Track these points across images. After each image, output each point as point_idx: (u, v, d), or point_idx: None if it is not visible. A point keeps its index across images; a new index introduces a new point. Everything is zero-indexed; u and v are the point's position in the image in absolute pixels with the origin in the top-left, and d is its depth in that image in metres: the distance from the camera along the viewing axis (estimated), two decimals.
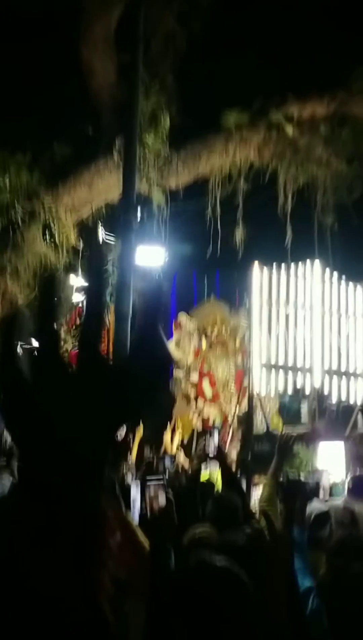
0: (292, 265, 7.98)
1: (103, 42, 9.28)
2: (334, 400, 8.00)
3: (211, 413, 13.72)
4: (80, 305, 11.43)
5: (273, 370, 7.72)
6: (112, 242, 8.43)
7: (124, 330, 7.12)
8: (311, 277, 7.86)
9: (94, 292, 0.80)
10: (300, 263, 8.00)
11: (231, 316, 14.28)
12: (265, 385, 7.59)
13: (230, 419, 11.43)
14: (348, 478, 5.43)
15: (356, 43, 8.90)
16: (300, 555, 2.81)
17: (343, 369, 8.02)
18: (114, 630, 0.69)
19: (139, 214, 7.05)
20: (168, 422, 14.37)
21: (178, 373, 15.11)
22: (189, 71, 9.66)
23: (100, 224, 9.37)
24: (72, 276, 10.81)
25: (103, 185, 9.49)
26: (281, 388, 7.83)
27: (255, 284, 7.67)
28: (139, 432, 8.67)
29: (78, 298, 10.98)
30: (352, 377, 8.01)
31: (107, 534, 0.71)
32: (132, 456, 7.57)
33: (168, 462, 6.09)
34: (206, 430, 5.03)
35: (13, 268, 9.01)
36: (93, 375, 0.73)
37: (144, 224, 6.99)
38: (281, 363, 7.79)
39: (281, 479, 3.23)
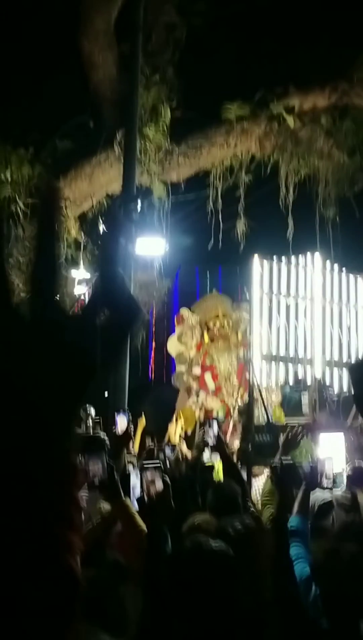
0: (293, 257, 7.99)
1: (104, 35, 9.27)
2: (335, 391, 8.02)
3: (214, 406, 13.77)
4: (82, 297, 11.45)
5: (273, 361, 7.74)
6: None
7: None
8: (312, 268, 7.87)
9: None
10: (300, 255, 8.01)
11: (234, 309, 14.30)
12: (266, 377, 7.61)
13: (232, 411, 11.46)
14: (348, 469, 5.45)
15: (357, 33, 8.88)
16: (301, 543, 2.84)
17: (344, 360, 8.04)
18: (82, 589, 0.69)
19: (139, 206, 7.06)
20: (171, 415, 14.42)
21: (181, 367, 15.16)
22: (190, 63, 9.65)
23: (100, 216, 9.38)
24: (73, 270, 10.84)
25: (104, 178, 9.51)
26: (282, 379, 7.85)
27: (255, 276, 7.68)
28: (142, 423, 8.70)
29: (80, 290, 11.00)
30: None
31: (74, 491, 0.71)
32: (135, 447, 7.62)
33: (168, 451, 6.12)
34: (206, 420, 5.06)
35: (15, 262, 9.03)
36: (50, 325, 0.71)
37: (144, 215, 6.99)
38: (282, 354, 7.81)
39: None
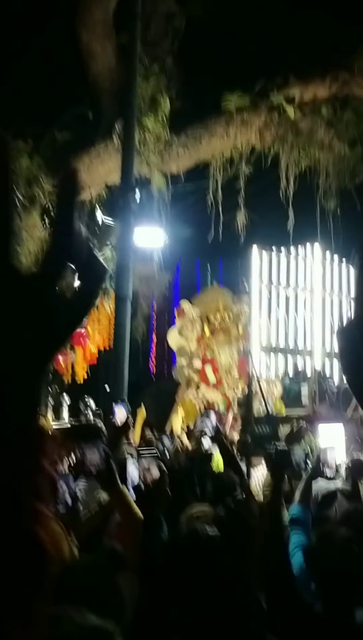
0: (292, 248, 7.97)
1: (102, 25, 9.22)
2: (335, 382, 8.01)
3: (215, 399, 13.78)
4: None
5: (273, 353, 7.73)
6: (111, 225, 8.41)
7: (124, 312, 7.13)
8: (312, 259, 7.86)
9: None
10: (299, 246, 7.99)
11: (234, 302, 14.29)
12: (265, 368, 7.60)
13: (232, 404, 11.46)
14: (348, 460, 5.44)
15: (358, 23, 8.82)
16: (302, 532, 2.83)
17: None
18: (47, 557, 0.68)
19: (138, 196, 7.03)
20: (171, 408, 14.42)
21: (181, 360, 15.15)
22: (189, 53, 9.59)
23: (98, 206, 9.36)
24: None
25: (103, 169, 9.46)
26: (281, 371, 7.84)
27: (255, 268, 7.67)
28: (142, 414, 8.72)
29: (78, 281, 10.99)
30: None
31: (42, 460, 0.69)
32: (135, 438, 7.62)
33: (167, 441, 6.12)
34: (204, 411, 5.04)
35: (13, 252, 9.00)
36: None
37: (143, 206, 6.97)
38: (281, 346, 7.80)
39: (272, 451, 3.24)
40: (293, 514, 3.05)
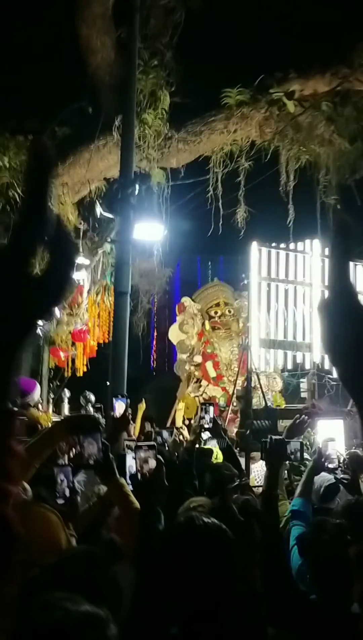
0: (292, 243, 7.99)
1: (102, 19, 9.21)
2: (334, 376, 8.02)
3: (215, 394, 13.82)
4: (81, 284, 11.46)
5: (272, 347, 7.75)
6: (111, 219, 8.42)
7: (123, 307, 7.15)
8: (311, 254, 7.88)
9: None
10: (299, 241, 8.01)
11: (235, 298, 14.31)
12: (264, 363, 7.62)
13: (233, 398, 11.51)
14: (346, 454, 5.46)
15: (358, 17, 8.79)
16: (302, 525, 2.85)
17: None
18: (21, 539, 0.68)
19: (137, 191, 7.04)
20: (173, 403, 14.44)
21: (182, 355, 15.19)
22: (189, 48, 9.58)
23: (98, 201, 9.36)
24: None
25: (103, 164, 9.48)
26: (280, 365, 7.86)
27: (254, 262, 7.70)
28: (142, 408, 8.73)
29: (79, 276, 11.01)
30: None
31: (9, 440, 0.69)
32: (136, 432, 7.64)
33: (166, 435, 6.14)
34: (203, 404, 5.05)
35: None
36: None
37: (142, 200, 6.97)
38: (280, 340, 7.82)
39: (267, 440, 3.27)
40: (294, 507, 3.08)
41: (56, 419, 9.60)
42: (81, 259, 10.81)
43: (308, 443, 6.86)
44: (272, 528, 2.60)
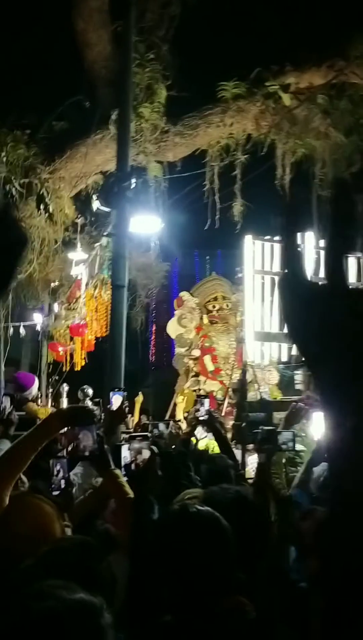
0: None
1: (98, 13, 9.20)
2: None
3: (214, 387, 13.86)
4: (79, 278, 11.48)
5: (267, 339, 7.78)
6: (107, 213, 8.44)
7: (120, 301, 7.17)
8: (304, 247, 7.90)
9: None
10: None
11: (233, 292, 14.34)
12: (259, 354, 7.65)
13: (230, 391, 11.55)
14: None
15: (354, 10, 8.78)
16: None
17: None
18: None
19: (133, 185, 7.05)
20: (171, 397, 14.46)
21: (180, 349, 15.24)
22: (185, 41, 9.57)
23: (94, 195, 9.38)
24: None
25: (100, 158, 9.49)
26: (275, 357, 7.89)
27: (248, 255, 7.73)
28: (139, 400, 8.78)
29: (77, 271, 11.03)
30: None
31: None
32: (134, 424, 7.69)
33: (162, 427, 6.18)
34: (198, 398, 5.09)
35: None
36: None
37: (138, 193, 6.99)
38: (275, 332, 7.85)
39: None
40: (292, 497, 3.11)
41: None
42: (78, 254, 10.83)
43: (304, 435, 6.90)
44: (263, 517, 2.63)
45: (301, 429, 7.05)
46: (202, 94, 9.64)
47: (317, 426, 7.16)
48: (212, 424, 4.70)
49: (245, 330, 7.77)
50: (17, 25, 9.62)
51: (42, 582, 1.52)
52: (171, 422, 7.15)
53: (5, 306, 10.85)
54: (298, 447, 5.28)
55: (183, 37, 9.63)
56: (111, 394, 5.01)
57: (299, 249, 0.77)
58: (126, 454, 4.05)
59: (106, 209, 7.75)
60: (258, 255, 7.82)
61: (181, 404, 13.42)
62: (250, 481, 4.78)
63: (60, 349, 13.99)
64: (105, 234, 9.48)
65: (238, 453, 5.80)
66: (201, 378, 14.51)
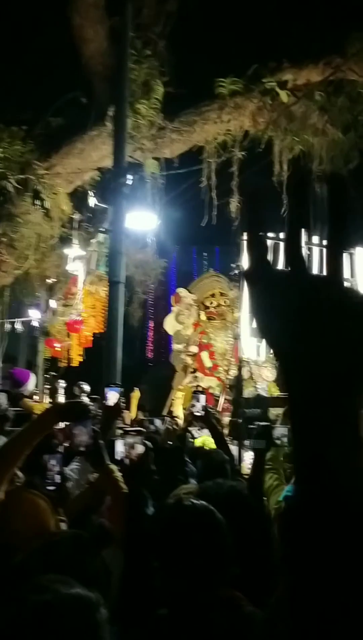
0: (282, 233, 7.98)
1: (94, 9, 9.18)
2: None
3: (211, 383, 13.88)
4: (75, 274, 11.48)
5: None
6: (104, 208, 8.44)
7: (117, 297, 7.17)
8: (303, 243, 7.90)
9: None
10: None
11: (231, 288, 14.34)
12: (256, 351, 7.66)
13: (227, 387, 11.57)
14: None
15: (351, 7, 8.78)
16: None
17: None
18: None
19: (130, 181, 7.04)
20: (168, 393, 14.48)
21: (178, 345, 15.24)
22: (182, 38, 9.55)
23: (91, 191, 9.37)
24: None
25: (97, 155, 9.48)
26: (272, 353, 7.91)
27: (245, 252, 7.71)
28: (136, 395, 8.79)
29: (74, 267, 11.02)
30: None
31: None
32: (131, 419, 7.70)
33: (158, 422, 6.18)
34: (195, 393, 5.09)
35: (8, 239, 9.06)
36: None
37: (136, 190, 6.98)
38: None
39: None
40: (287, 493, 3.12)
41: None
42: (75, 250, 10.82)
43: None
44: (258, 511, 2.64)
45: None
46: (199, 90, 9.63)
47: None
48: (208, 420, 4.71)
49: (241, 326, 7.77)
50: (14, 22, 9.60)
51: (39, 577, 1.52)
52: (167, 418, 7.15)
53: (1, 302, 10.85)
54: None
55: (179, 34, 9.61)
56: (106, 389, 5.02)
57: (264, 239, 0.75)
58: (121, 448, 4.07)
59: (103, 205, 7.74)
60: None
61: (180, 400, 13.45)
62: (246, 476, 4.80)
63: (56, 345, 13.99)
64: (102, 230, 9.48)
65: (234, 449, 5.81)
66: (199, 375, 14.54)
